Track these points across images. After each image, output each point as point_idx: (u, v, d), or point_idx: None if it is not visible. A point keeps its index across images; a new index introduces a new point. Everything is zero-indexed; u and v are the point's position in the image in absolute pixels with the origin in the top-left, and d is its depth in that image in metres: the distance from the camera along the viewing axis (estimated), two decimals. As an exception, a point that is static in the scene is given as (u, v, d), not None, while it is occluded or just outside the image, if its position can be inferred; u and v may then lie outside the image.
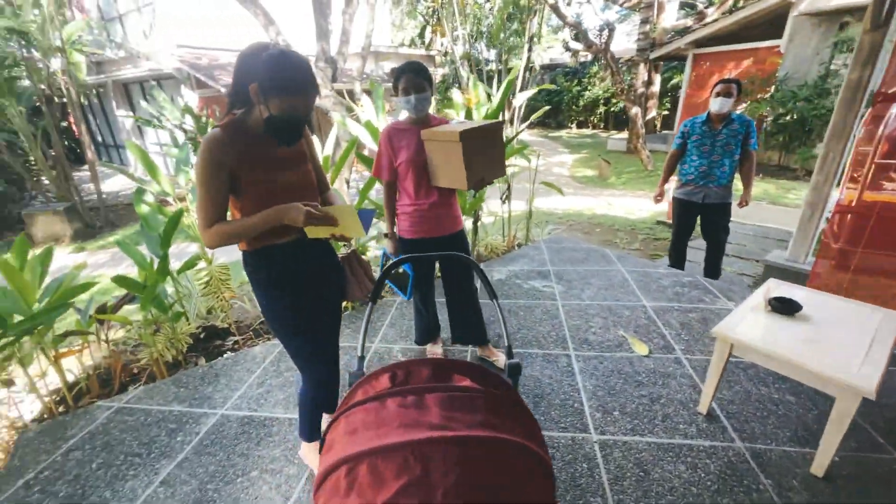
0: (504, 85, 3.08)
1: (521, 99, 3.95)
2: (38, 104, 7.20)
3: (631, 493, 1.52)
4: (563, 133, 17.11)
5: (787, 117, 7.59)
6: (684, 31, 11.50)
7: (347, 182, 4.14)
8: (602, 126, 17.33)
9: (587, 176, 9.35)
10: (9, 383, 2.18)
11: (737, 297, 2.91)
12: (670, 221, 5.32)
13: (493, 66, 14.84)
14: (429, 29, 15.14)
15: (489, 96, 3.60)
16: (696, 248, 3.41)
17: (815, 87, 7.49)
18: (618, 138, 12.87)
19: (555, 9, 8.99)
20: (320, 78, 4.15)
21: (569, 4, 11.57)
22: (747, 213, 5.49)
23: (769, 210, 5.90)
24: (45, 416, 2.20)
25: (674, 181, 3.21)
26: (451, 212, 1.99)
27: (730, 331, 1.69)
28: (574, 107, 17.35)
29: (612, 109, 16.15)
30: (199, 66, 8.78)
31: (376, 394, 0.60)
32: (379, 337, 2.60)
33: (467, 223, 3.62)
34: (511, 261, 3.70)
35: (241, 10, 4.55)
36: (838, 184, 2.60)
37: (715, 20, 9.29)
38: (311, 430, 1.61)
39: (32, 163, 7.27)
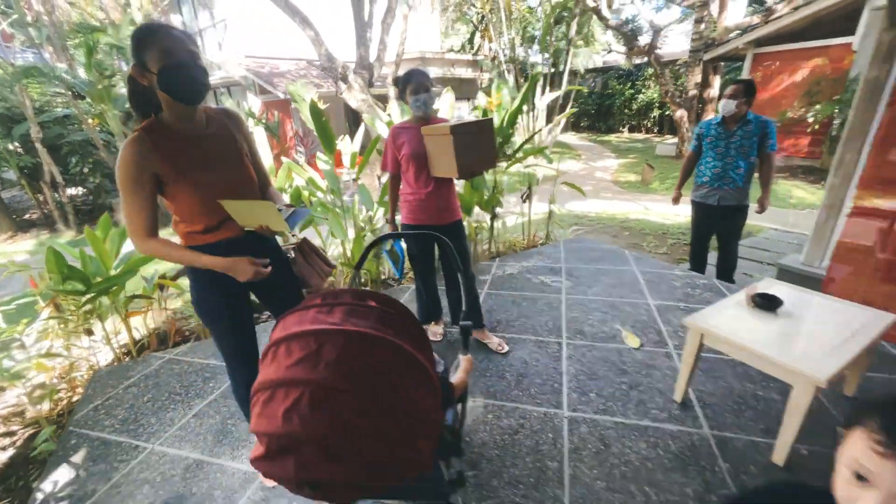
0: (523, 90, 3.24)
1: (544, 101, 4.07)
2: (129, 109, 8.33)
3: (587, 462, 1.64)
4: (612, 137, 16.62)
5: (857, 120, 6.95)
6: (748, 30, 10.82)
7: (379, 177, 4.46)
8: (655, 130, 16.63)
9: (630, 181, 9.09)
10: (89, 332, 2.68)
11: (752, 302, 2.84)
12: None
13: (540, 69, 14.81)
14: (478, 35, 15.43)
15: (513, 99, 3.76)
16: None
17: (892, 87, 6.82)
18: (668, 143, 12.35)
19: (596, 12, 8.89)
20: (357, 84, 4.50)
21: (610, 8, 11.34)
22: (797, 221, 5.18)
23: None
24: (115, 363, 2.68)
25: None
26: (447, 203, 2.19)
27: (701, 321, 1.75)
28: (626, 110, 16.81)
29: (667, 113, 15.46)
30: (261, 74, 9.65)
31: (305, 305, 0.84)
32: (389, 317, 2.85)
33: (485, 218, 3.79)
34: (526, 257, 3.82)
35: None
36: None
37: (779, 17, 8.70)
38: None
39: (123, 159, 8.41)
